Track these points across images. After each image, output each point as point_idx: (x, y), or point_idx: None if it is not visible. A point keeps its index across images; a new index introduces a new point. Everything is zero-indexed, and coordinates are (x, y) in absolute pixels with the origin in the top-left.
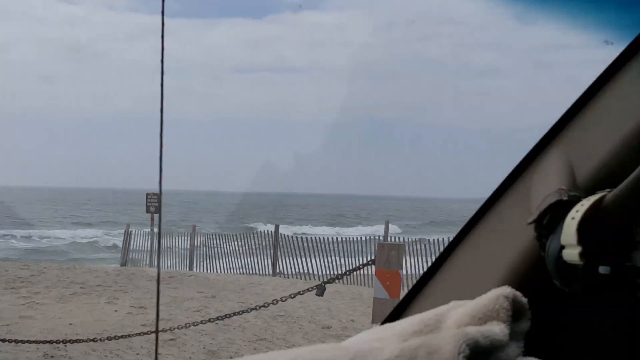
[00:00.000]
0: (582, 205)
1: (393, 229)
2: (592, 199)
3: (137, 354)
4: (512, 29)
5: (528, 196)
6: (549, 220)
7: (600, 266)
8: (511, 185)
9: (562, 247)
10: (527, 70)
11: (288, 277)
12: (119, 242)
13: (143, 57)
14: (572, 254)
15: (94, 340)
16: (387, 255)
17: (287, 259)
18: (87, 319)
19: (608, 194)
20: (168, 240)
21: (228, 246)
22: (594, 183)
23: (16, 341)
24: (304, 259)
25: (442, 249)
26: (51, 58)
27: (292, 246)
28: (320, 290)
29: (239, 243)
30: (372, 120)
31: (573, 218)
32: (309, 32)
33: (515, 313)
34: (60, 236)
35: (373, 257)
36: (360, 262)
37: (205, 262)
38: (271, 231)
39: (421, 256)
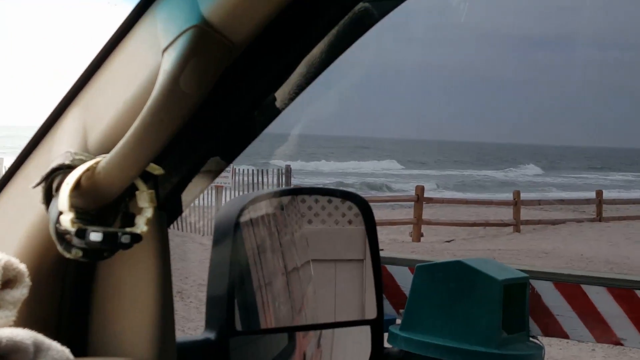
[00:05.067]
0: (77, 170)
1: None
2: (88, 164)
3: None
4: None
5: (49, 159)
6: (51, 183)
7: (92, 233)
8: (36, 146)
9: (61, 213)
10: None
11: None
12: None
13: None
14: (65, 220)
15: None
16: None
17: None
18: None
19: (102, 160)
20: None
21: None
22: (103, 147)
23: None
24: None
25: None
26: None
27: None
28: None
29: None
30: None
31: (67, 183)
32: None
33: (11, 280)
34: None
35: None
36: None
37: None
38: None
39: None
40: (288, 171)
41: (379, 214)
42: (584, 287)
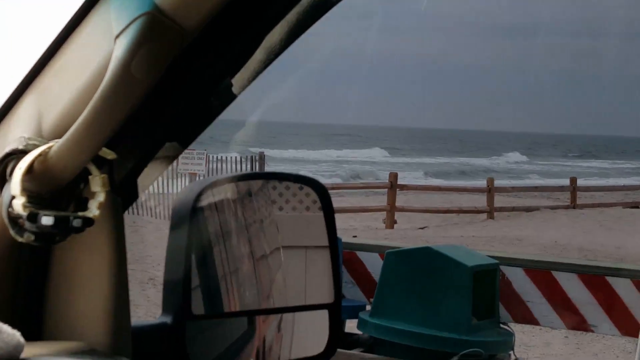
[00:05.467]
0: (30, 155)
1: None
2: (41, 149)
3: None
4: None
5: (4, 145)
6: (5, 168)
7: (43, 217)
8: None
9: (14, 197)
10: None
11: None
12: None
13: None
14: (17, 204)
15: None
16: None
17: None
18: None
19: (55, 144)
20: None
21: None
22: (57, 133)
23: None
24: None
25: None
26: None
27: None
28: None
29: None
30: None
31: (20, 168)
32: None
33: None
34: None
35: None
36: None
37: None
38: None
39: None
40: (262, 158)
41: (352, 201)
42: (555, 273)
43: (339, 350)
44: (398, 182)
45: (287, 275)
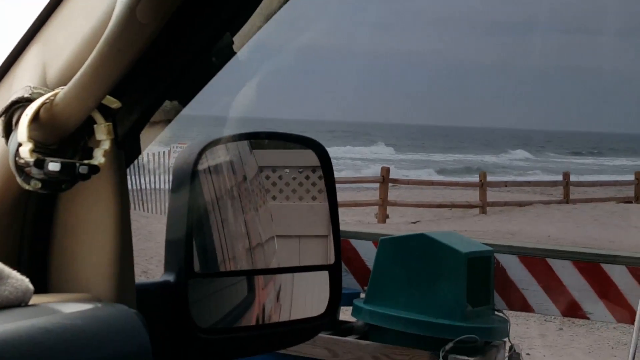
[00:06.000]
0: (36, 102)
1: None
2: (46, 96)
3: None
4: None
5: (10, 95)
6: (11, 117)
7: (50, 163)
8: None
9: (20, 145)
10: None
11: None
12: None
13: None
14: (24, 150)
15: None
16: None
17: None
18: None
19: (60, 92)
20: None
21: None
22: (62, 82)
23: None
24: None
25: None
26: None
27: None
28: None
29: None
30: None
31: (26, 115)
32: None
33: None
34: None
35: None
36: None
37: None
38: None
39: None
40: None
41: (343, 195)
42: (550, 260)
43: (334, 337)
44: (390, 177)
45: (290, 236)
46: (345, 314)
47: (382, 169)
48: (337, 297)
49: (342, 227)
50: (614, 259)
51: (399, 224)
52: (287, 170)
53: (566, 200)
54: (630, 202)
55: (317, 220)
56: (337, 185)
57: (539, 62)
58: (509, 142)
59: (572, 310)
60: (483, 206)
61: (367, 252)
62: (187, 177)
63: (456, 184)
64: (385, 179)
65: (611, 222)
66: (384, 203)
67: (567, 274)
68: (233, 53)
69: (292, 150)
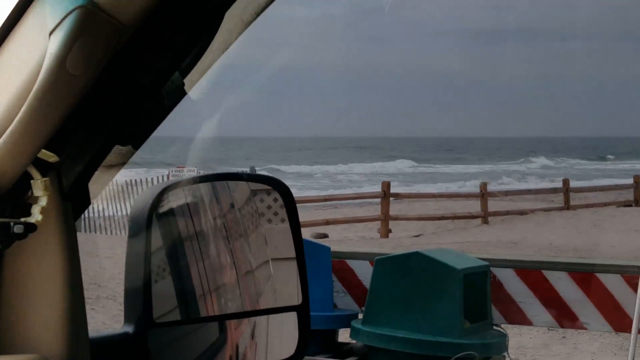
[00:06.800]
0: None
1: None
2: None
3: None
4: None
5: None
6: None
7: (15, 225)
8: None
9: None
10: None
11: None
12: None
13: None
14: None
15: None
16: None
17: None
18: None
19: None
20: None
21: None
22: None
23: None
24: None
25: None
26: None
27: None
28: None
29: None
30: None
31: None
32: None
33: None
34: None
35: None
36: None
37: None
38: None
39: None
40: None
41: (345, 211)
42: (545, 272)
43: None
44: (392, 191)
45: (255, 278)
46: (344, 335)
47: (383, 183)
48: (306, 338)
49: (345, 244)
50: (607, 268)
51: (402, 238)
52: (251, 210)
53: (567, 206)
54: (630, 206)
55: (285, 261)
56: (339, 202)
57: (561, 69)
58: (528, 150)
59: (570, 321)
60: (485, 216)
61: (364, 272)
62: (144, 223)
63: (457, 195)
64: (386, 194)
65: (612, 227)
66: (386, 218)
67: (563, 285)
68: (184, 94)
69: (256, 191)
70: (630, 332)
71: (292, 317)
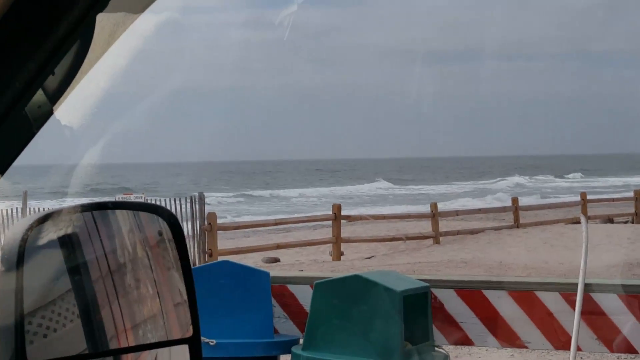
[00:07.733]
0: None
1: None
2: None
3: None
4: None
5: None
6: None
7: None
8: None
9: None
10: None
11: None
12: None
13: None
14: None
15: None
16: None
17: None
18: None
19: None
20: None
21: None
22: None
23: None
24: None
25: None
26: None
27: None
28: None
29: None
30: None
31: None
32: None
33: None
34: None
35: None
36: None
37: None
38: None
39: None
40: (201, 198)
41: (298, 235)
42: (485, 292)
43: None
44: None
45: (141, 310)
46: None
47: (334, 206)
48: None
49: (297, 267)
50: (546, 286)
51: (354, 260)
52: (135, 240)
53: (517, 224)
54: (578, 223)
55: (175, 291)
56: (292, 225)
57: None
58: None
59: (511, 340)
60: (436, 236)
61: (305, 297)
62: (14, 256)
63: (408, 216)
64: (337, 216)
65: (560, 244)
66: (337, 240)
67: (503, 303)
68: (50, 113)
69: (140, 219)
70: (569, 349)
71: (184, 350)
